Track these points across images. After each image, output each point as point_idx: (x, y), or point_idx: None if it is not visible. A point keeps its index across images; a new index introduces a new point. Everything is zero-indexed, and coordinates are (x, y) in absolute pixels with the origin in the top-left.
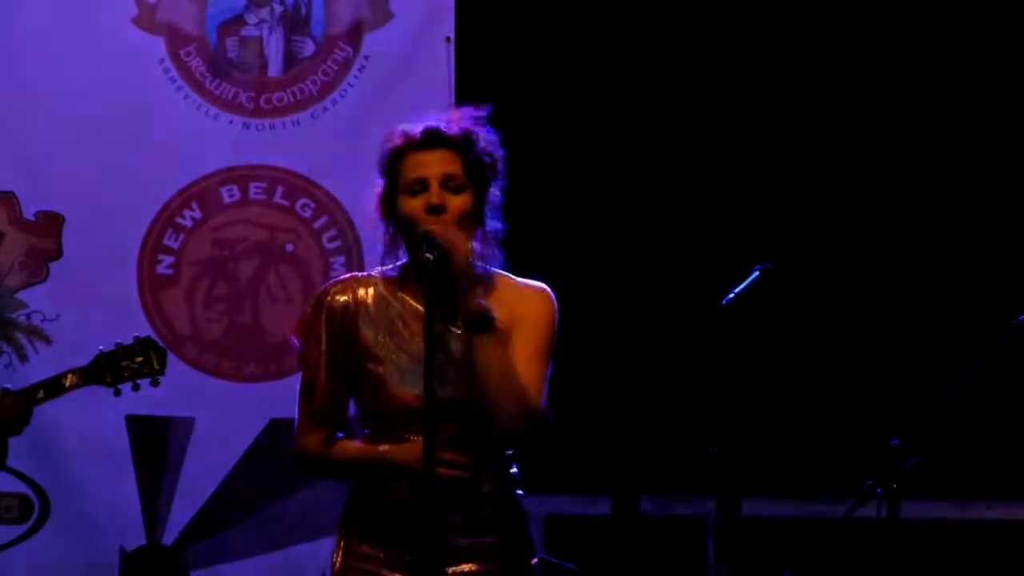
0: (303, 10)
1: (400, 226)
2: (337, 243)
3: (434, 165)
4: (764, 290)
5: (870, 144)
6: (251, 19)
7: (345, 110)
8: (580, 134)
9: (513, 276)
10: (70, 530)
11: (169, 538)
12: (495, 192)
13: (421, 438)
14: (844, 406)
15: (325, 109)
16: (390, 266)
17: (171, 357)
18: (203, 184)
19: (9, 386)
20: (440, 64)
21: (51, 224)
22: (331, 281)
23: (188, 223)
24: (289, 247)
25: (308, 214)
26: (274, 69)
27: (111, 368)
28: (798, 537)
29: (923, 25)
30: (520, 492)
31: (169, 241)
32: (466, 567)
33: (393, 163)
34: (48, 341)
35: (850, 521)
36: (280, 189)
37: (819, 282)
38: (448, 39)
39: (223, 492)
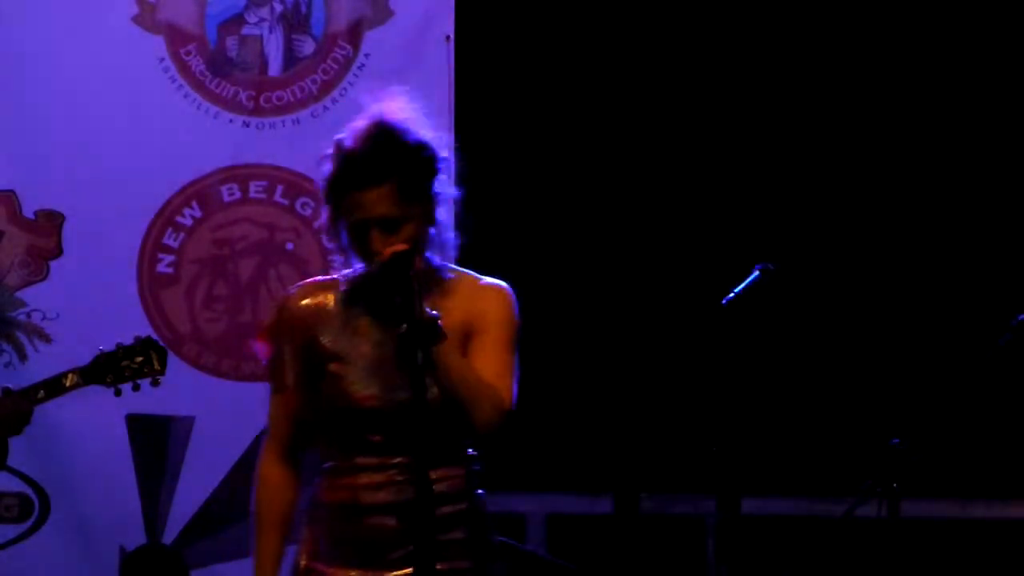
0: (303, 9)
1: (350, 248)
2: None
3: (371, 207)
4: (764, 290)
5: (870, 144)
6: (251, 18)
7: (345, 109)
8: (580, 133)
9: (473, 273)
10: (70, 529)
11: (169, 537)
12: (443, 189)
13: (381, 438)
14: (844, 406)
15: (325, 108)
16: (350, 271)
17: (171, 356)
18: (203, 183)
19: (9, 385)
20: (440, 62)
21: (51, 223)
22: (293, 286)
23: (188, 222)
24: (289, 246)
25: (308, 213)
26: (274, 68)
27: (111, 368)
28: (798, 537)
29: (923, 25)
30: (481, 492)
31: (169, 240)
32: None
33: (333, 195)
34: (48, 340)
35: (850, 520)
36: (280, 188)
37: (819, 282)
38: (448, 37)
39: (223, 491)
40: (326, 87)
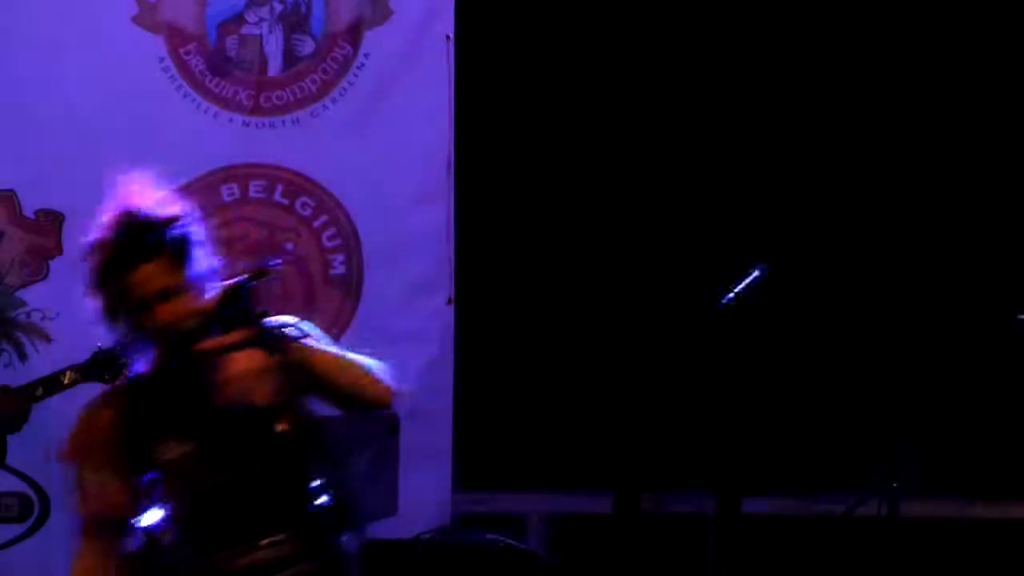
0: (303, 8)
1: (138, 333)
2: (337, 241)
3: (148, 283)
4: (764, 289)
5: (869, 144)
6: (251, 17)
7: (345, 108)
8: (580, 133)
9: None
10: (70, 529)
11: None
12: (197, 244)
13: (238, 519)
14: (844, 404)
15: (325, 107)
16: (136, 370)
17: None
18: (203, 182)
19: (8, 384)
20: (440, 62)
21: (51, 222)
22: (90, 401)
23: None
24: (289, 245)
25: (308, 212)
26: (274, 67)
27: (109, 365)
28: (798, 537)
29: (923, 25)
30: (343, 538)
31: None
32: None
33: (105, 285)
34: (48, 339)
35: (850, 519)
36: (280, 187)
37: (819, 281)
38: (448, 37)
39: None
40: (326, 87)
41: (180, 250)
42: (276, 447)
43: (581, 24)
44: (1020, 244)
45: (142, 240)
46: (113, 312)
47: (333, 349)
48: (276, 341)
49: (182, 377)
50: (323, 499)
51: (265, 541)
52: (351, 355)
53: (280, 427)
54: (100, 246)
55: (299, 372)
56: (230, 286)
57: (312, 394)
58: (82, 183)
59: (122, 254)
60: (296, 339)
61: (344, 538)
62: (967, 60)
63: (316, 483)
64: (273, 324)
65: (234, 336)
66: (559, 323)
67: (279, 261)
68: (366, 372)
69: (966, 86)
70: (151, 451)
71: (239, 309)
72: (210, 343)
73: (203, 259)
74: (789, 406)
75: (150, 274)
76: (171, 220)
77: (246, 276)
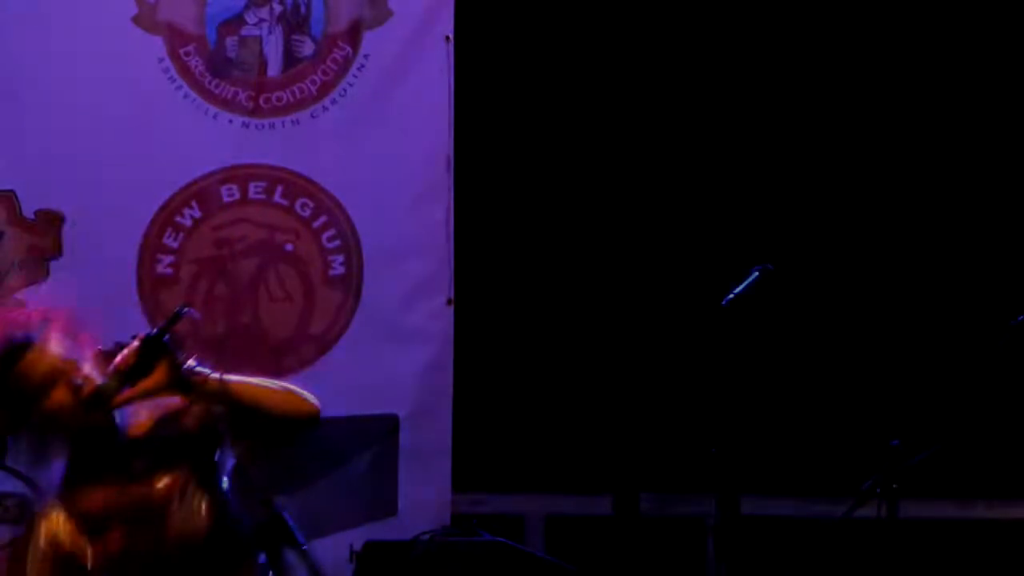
0: (302, 9)
1: (43, 426)
2: (337, 242)
3: (36, 370)
4: (764, 290)
5: (869, 144)
6: (251, 18)
7: (345, 109)
8: (580, 133)
9: None
10: None
11: None
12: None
13: None
14: (844, 406)
15: (325, 108)
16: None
17: None
18: (202, 183)
19: None
20: (440, 63)
21: (51, 223)
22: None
23: (187, 222)
24: (288, 246)
25: (307, 213)
26: (274, 68)
27: None
28: (798, 537)
29: (923, 25)
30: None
31: (168, 240)
32: None
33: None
34: None
35: (850, 521)
36: (279, 188)
37: (819, 282)
38: (448, 38)
39: None
40: (325, 88)
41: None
42: (199, 468)
43: (581, 24)
44: (1020, 245)
45: (9, 344)
46: (13, 418)
47: (250, 379)
48: (190, 380)
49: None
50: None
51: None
52: (267, 381)
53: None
54: None
55: (221, 402)
56: (142, 341)
57: (242, 421)
58: (82, 183)
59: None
60: (211, 376)
61: (283, 555)
62: (967, 60)
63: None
64: (188, 367)
65: (144, 384)
66: (559, 324)
67: (191, 309)
68: (289, 391)
69: (966, 86)
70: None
71: (152, 360)
72: (121, 397)
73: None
74: (789, 407)
75: (31, 362)
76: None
77: (157, 329)
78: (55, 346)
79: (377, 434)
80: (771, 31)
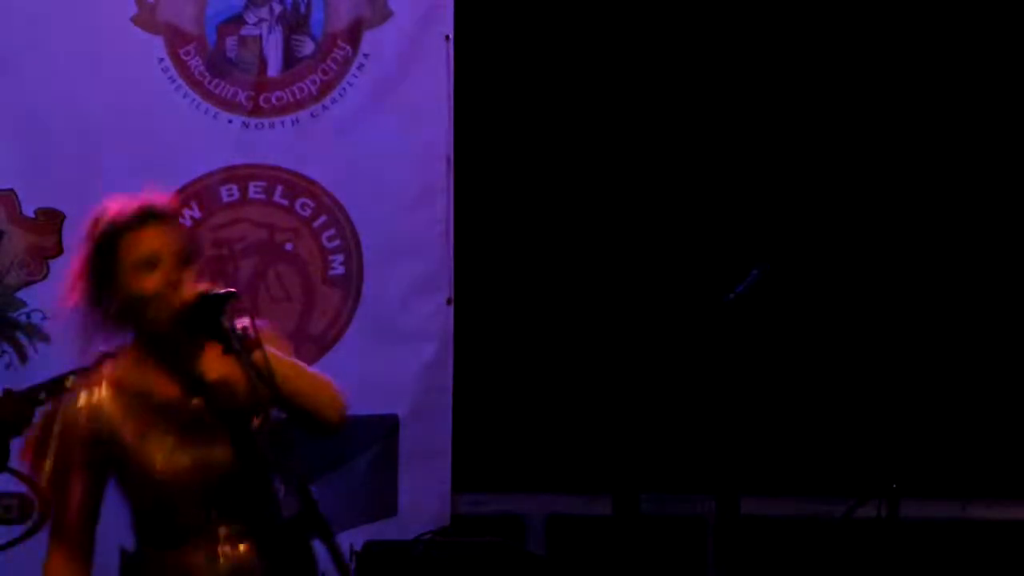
0: (302, 9)
1: (125, 306)
2: (337, 242)
3: (165, 241)
4: (764, 289)
5: (870, 143)
6: (250, 18)
7: (344, 109)
8: (580, 132)
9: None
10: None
11: None
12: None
13: (203, 512)
14: (844, 405)
15: (324, 108)
16: (112, 353)
17: None
18: (202, 183)
19: (10, 387)
20: (439, 62)
21: (51, 222)
22: (64, 397)
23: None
24: (288, 246)
25: (307, 213)
26: (273, 68)
27: None
28: (798, 537)
29: (923, 25)
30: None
31: None
32: None
33: (110, 243)
34: (48, 340)
35: (850, 521)
36: (279, 188)
37: (820, 281)
38: (447, 37)
39: None
40: (325, 87)
41: (182, 228)
42: (247, 447)
43: (581, 23)
44: (1020, 245)
45: (150, 206)
46: (102, 281)
47: (293, 360)
48: (245, 347)
49: (166, 363)
50: (288, 504)
51: (224, 537)
52: (315, 372)
53: (255, 426)
54: (106, 212)
55: (264, 378)
56: (205, 291)
57: (272, 400)
58: (82, 183)
59: (129, 215)
60: (260, 345)
61: (311, 545)
62: (967, 60)
63: (282, 487)
64: (241, 330)
65: (210, 340)
66: (559, 323)
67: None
68: (326, 383)
69: (967, 86)
70: (123, 441)
71: (212, 314)
72: (195, 340)
73: (201, 248)
74: (789, 407)
75: (153, 235)
76: (176, 206)
77: (220, 291)
78: (187, 240)
79: (377, 434)
80: (771, 31)
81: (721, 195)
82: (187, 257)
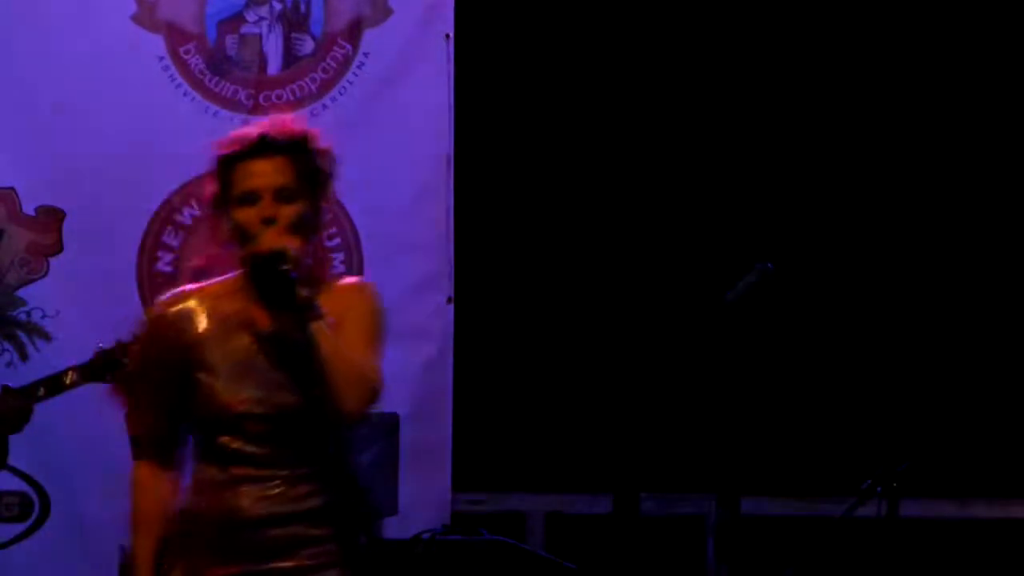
0: (302, 8)
1: (233, 230)
2: (336, 240)
3: (266, 176)
4: (765, 289)
5: (870, 143)
6: (250, 17)
7: (345, 107)
8: (581, 131)
9: (336, 280)
10: (70, 529)
11: None
12: (327, 182)
13: (259, 446)
14: (845, 406)
15: (324, 107)
16: (222, 278)
17: None
18: (202, 182)
19: (10, 384)
20: (440, 61)
21: (52, 220)
22: (160, 297)
23: (188, 221)
24: None
25: None
26: (273, 67)
27: (111, 365)
28: (798, 536)
29: (923, 25)
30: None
31: (169, 239)
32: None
33: (224, 171)
34: (48, 338)
35: (850, 520)
36: None
37: (821, 282)
38: (448, 36)
39: None
40: (325, 86)
41: (313, 167)
42: (314, 397)
43: (581, 23)
44: (1020, 245)
45: (265, 136)
46: (220, 200)
47: (341, 345)
48: (306, 315)
49: (261, 296)
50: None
51: (283, 476)
52: (350, 355)
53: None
54: (232, 140)
55: (311, 349)
56: (281, 247)
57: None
58: (82, 181)
59: (244, 144)
60: (320, 317)
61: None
62: (968, 60)
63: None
64: (305, 298)
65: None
66: (559, 323)
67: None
68: (360, 379)
69: (967, 86)
70: (200, 351)
71: (280, 270)
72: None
73: (327, 192)
74: (789, 407)
75: (259, 169)
76: (315, 137)
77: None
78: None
79: (377, 433)
80: (771, 30)
81: (721, 195)
82: (290, 194)
